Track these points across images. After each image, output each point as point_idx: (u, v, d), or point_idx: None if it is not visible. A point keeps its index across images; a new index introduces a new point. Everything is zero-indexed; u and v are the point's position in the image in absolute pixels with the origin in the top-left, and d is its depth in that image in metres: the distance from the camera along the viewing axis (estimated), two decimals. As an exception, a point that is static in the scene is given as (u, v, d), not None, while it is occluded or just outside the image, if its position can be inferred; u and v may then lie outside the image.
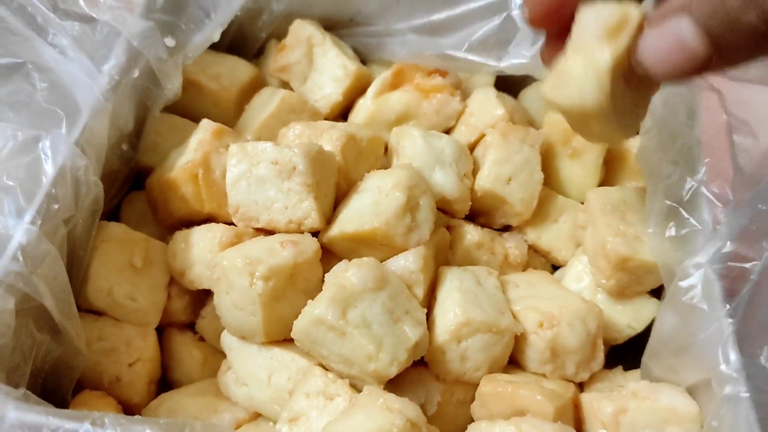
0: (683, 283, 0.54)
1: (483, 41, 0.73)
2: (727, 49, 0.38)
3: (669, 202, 0.58)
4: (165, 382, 0.64)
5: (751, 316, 0.53)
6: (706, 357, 0.51)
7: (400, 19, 0.76)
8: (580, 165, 0.69)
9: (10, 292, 0.48)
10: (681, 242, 0.57)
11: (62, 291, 0.52)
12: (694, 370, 0.53)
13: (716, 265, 0.53)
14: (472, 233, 0.65)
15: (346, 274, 0.54)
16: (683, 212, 0.58)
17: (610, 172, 0.71)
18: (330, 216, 0.62)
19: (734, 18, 0.36)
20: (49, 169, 0.53)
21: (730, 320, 0.51)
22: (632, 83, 0.45)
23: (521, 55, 0.71)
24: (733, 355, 0.50)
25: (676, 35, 0.38)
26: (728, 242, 0.53)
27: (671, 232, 0.58)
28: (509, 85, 0.76)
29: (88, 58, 0.61)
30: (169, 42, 0.64)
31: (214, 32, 0.68)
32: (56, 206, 0.52)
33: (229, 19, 0.68)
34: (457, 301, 0.57)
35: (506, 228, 0.70)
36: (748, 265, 0.53)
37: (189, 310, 0.64)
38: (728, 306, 0.52)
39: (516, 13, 0.72)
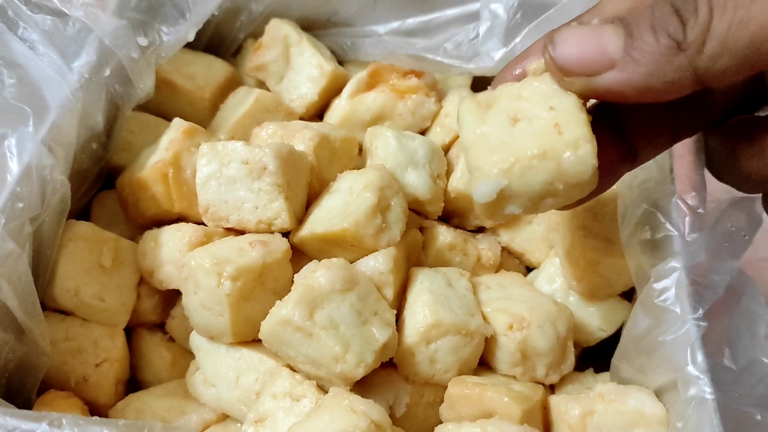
0: (657, 285, 0.54)
1: (456, 45, 0.73)
2: (640, 63, 0.38)
3: (646, 206, 0.58)
4: (134, 382, 0.63)
5: (717, 325, 0.54)
6: (674, 358, 0.51)
7: (377, 21, 0.76)
8: None
9: (-29, 291, 0.48)
10: (656, 246, 0.57)
11: (26, 291, 0.52)
12: (662, 371, 0.53)
13: (689, 271, 0.53)
14: (445, 234, 0.65)
15: (315, 275, 0.54)
16: (660, 217, 0.57)
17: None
18: (301, 216, 0.62)
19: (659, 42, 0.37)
20: (14, 167, 0.53)
21: (700, 323, 0.51)
22: None
23: (489, 58, 0.70)
24: (700, 357, 0.50)
25: (599, 36, 0.39)
26: (702, 252, 0.53)
27: (647, 235, 0.58)
28: (485, 86, 0.75)
29: (59, 54, 0.61)
30: (142, 41, 0.63)
31: (188, 32, 0.67)
32: (21, 205, 0.52)
33: (205, 19, 0.68)
34: (426, 303, 0.57)
35: (480, 229, 0.70)
36: (717, 278, 0.54)
37: (159, 310, 0.64)
38: (699, 310, 0.52)
39: (486, 13, 0.71)
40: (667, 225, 0.57)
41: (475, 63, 0.69)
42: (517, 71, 0.47)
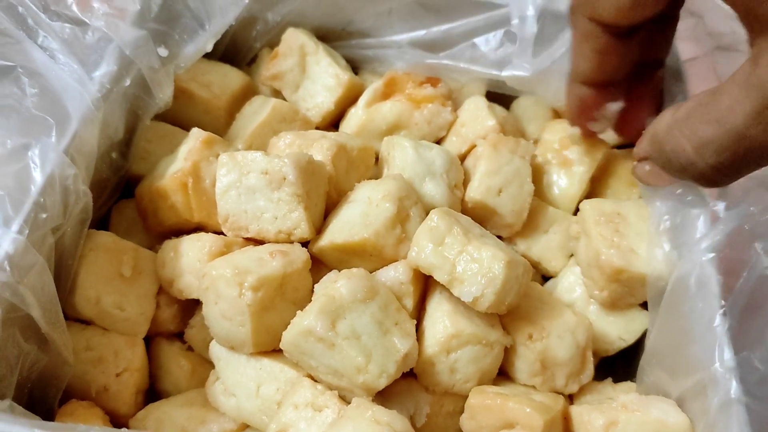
0: (682, 279, 0.55)
1: (481, 55, 0.74)
2: (680, 176, 0.55)
3: (667, 201, 0.59)
4: (153, 392, 0.63)
5: (746, 319, 0.53)
6: (702, 356, 0.51)
7: (392, 32, 0.76)
8: (568, 175, 0.69)
9: (-4, 301, 0.48)
10: (678, 234, 0.58)
11: (49, 301, 0.52)
12: (690, 371, 0.53)
13: (714, 261, 0.54)
14: (462, 244, 0.65)
15: (336, 285, 0.54)
16: (681, 207, 0.58)
17: (597, 183, 0.71)
18: (320, 226, 0.62)
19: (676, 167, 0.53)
20: (37, 177, 0.53)
21: (725, 316, 0.51)
22: None
23: (522, 67, 0.71)
24: (728, 354, 0.50)
25: (653, 171, 0.57)
26: (724, 239, 0.54)
27: (666, 224, 0.58)
28: (500, 95, 0.76)
29: (79, 62, 0.61)
30: (162, 52, 0.64)
31: (207, 43, 0.68)
32: (44, 215, 0.52)
33: (223, 30, 0.68)
34: (447, 313, 0.57)
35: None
36: (746, 273, 0.54)
37: (177, 320, 0.64)
38: (724, 302, 0.52)
39: (515, 22, 0.72)
40: (690, 214, 0.57)
41: (509, 71, 0.70)
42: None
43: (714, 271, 0.53)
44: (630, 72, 0.60)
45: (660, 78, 0.64)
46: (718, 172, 0.50)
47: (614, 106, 0.62)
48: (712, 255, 0.53)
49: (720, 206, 0.55)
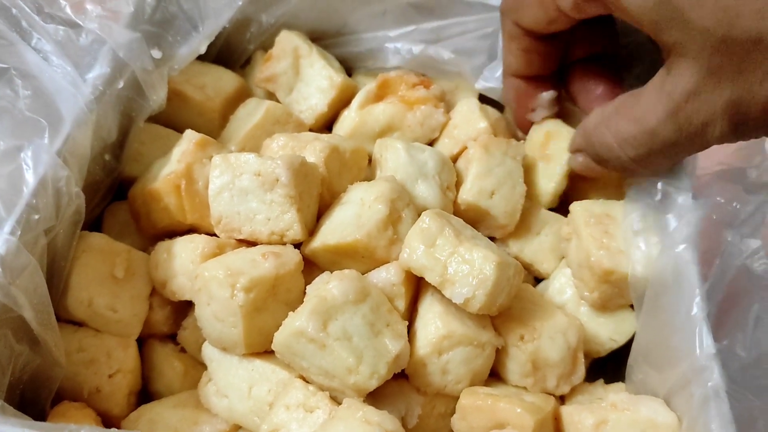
0: (659, 273, 0.56)
1: (470, 51, 0.74)
2: (608, 167, 0.61)
3: (648, 201, 0.60)
4: (145, 393, 0.63)
5: (725, 308, 0.55)
6: (684, 345, 0.52)
7: (386, 32, 0.77)
8: (546, 169, 0.70)
9: (-13, 302, 0.48)
10: (652, 232, 0.59)
11: (41, 302, 0.52)
12: (674, 363, 0.54)
13: (687, 251, 0.55)
14: (455, 245, 0.66)
15: (328, 286, 0.54)
16: (652, 205, 0.60)
17: (586, 183, 0.71)
18: (312, 227, 0.62)
19: (603, 159, 0.60)
20: (30, 179, 0.53)
21: (705, 303, 0.53)
22: None
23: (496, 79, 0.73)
24: (707, 341, 0.51)
25: (585, 161, 0.63)
26: (694, 230, 0.56)
27: (639, 224, 0.60)
28: (493, 99, 0.76)
29: (72, 64, 0.61)
30: (156, 54, 0.64)
31: (201, 45, 0.68)
32: (37, 217, 0.52)
33: (217, 31, 0.69)
34: (438, 314, 0.57)
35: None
36: (728, 259, 0.55)
37: (170, 321, 0.64)
38: (699, 290, 0.54)
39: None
40: (667, 217, 0.59)
41: (480, 83, 0.73)
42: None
43: (689, 261, 0.54)
44: (558, 64, 0.67)
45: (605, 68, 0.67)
46: (636, 163, 0.57)
47: (547, 95, 0.68)
48: (684, 245, 0.55)
49: (687, 200, 0.58)
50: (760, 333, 0.53)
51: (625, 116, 0.56)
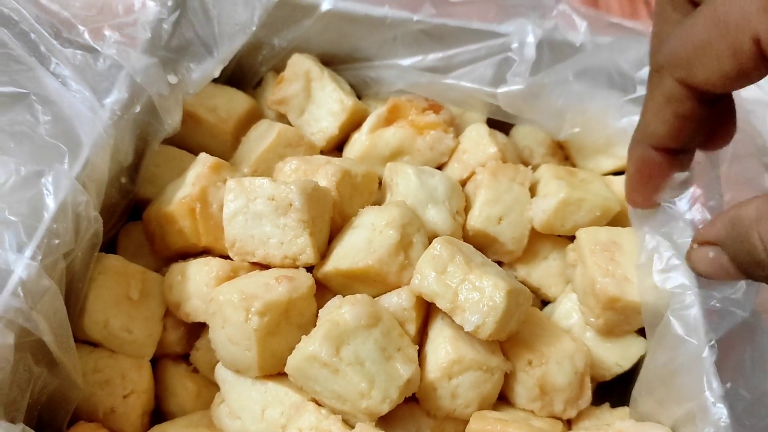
0: (673, 315, 0.56)
1: (480, 78, 0.75)
2: (753, 278, 0.50)
3: (660, 238, 0.60)
4: (158, 413, 0.64)
5: (733, 354, 0.56)
6: (691, 386, 0.53)
7: (397, 57, 0.78)
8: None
9: (9, 327, 0.49)
10: (670, 276, 0.59)
11: (61, 326, 0.53)
12: (680, 400, 0.55)
13: (704, 301, 0.56)
14: (463, 269, 0.67)
15: (340, 311, 0.55)
16: (672, 247, 0.60)
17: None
18: (324, 250, 0.63)
19: (754, 269, 0.49)
20: (50, 204, 0.54)
21: (713, 352, 0.54)
22: None
23: (516, 81, 0.72)
24: (716, 383, 0.52)
25: (717, 261, 0.52)
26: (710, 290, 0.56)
27: (659, 266, 0.60)
28: (500, 122, 0.78)
29: (90, 89, 0.62)
30: (172, 79, 0.65)
31: (215, 69, 0.69)
32: (57, 241, 0.53)
33: (231, 56, 0.70)
34: (448, 339, 0.58)
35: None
36: (732, 308, 0.56)
37: (183, 342, 0.65)
38: (714, 338, 0.55)
39: (515, 46, 0.74)
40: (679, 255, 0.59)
41: (503, 88, 0.71)
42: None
43: (700, 306, 0.55)
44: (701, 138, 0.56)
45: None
46: None
47: (682, 176, 0.57)
48: (697, 290, 0.55)
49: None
50: (759, 374, 0.54)
51: None
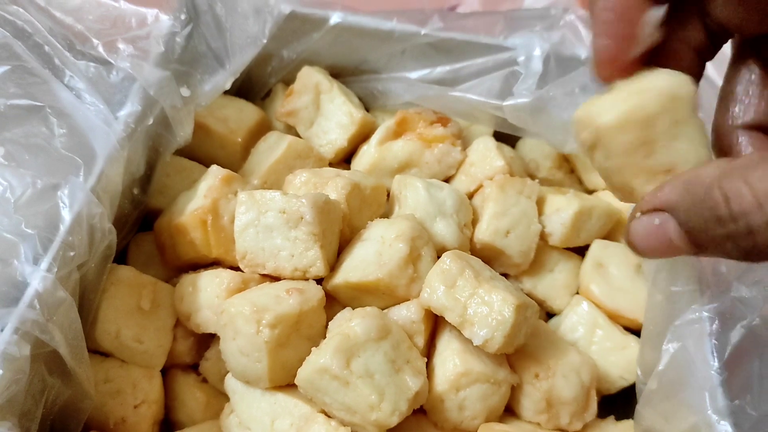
0: (680, 331, 0.57)
1: (487, 91, 0.76)
2: (704, 247, 0.43)
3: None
4: (167, 422, 0.65)
5: (740, 371, 0.56)
6: (696, 402, 0.53)
7: (405, 70, 0.79)
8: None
9: (26, 339, 0.49)
10: (678, 294, 0.60)
11: (75, 337, 0.53)
12: (685, 416, 0.55)
13: (712, 319, 0.56)
14: (471, 282, 0.67)
15: (350, 324, 0.56)
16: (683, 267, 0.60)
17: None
18: (334, 263, 0.64)
19: (712, 228, 0.41)
20: (66, 217, 0.54)
21: (721, 370, 0.54)
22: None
23: (523, 94, 0.73)
24: (721, 401, 0.52)
25: (662, 230, 0.44)
26: (716, 303, 0.56)
27: (670, 285, 0.60)
28: (506, 135, 0.78)
29: (104, 101, 0.63)
30: (185, 92, 0.66)
31: (226, 81, 0.70)
32: (72, 253, 0.54)
33: (242, 68, 0.70)
34: (456, 351, 0.59)
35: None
36: (739, 325, 0.57)
37: (193, 352, 0.66)
38: (718, 358, 0.55)
39: (521, 60, 0.75)
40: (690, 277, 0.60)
41: (510, 101, 0.72)
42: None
43: (707, 323, 0.55)
44: None
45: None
46: None
47: (659, 13, 0.46)
48: (706, 307, 0.56)
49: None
50: (767, 391, 0.55)
51: None
